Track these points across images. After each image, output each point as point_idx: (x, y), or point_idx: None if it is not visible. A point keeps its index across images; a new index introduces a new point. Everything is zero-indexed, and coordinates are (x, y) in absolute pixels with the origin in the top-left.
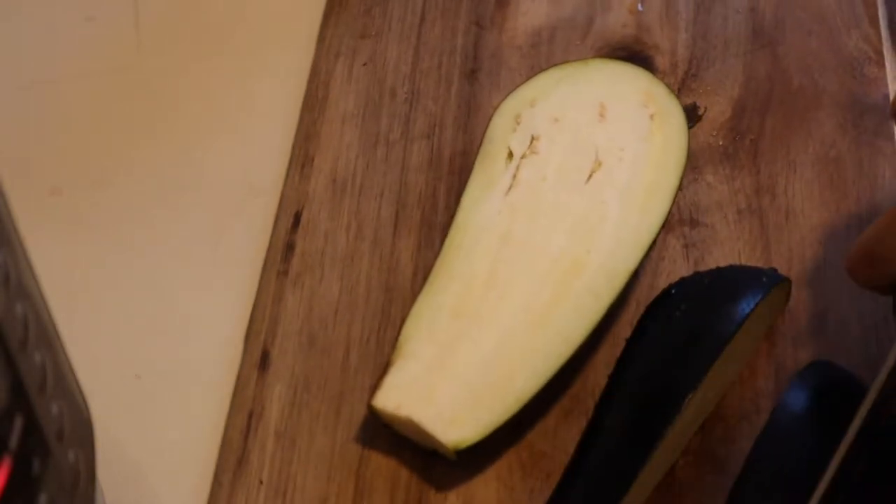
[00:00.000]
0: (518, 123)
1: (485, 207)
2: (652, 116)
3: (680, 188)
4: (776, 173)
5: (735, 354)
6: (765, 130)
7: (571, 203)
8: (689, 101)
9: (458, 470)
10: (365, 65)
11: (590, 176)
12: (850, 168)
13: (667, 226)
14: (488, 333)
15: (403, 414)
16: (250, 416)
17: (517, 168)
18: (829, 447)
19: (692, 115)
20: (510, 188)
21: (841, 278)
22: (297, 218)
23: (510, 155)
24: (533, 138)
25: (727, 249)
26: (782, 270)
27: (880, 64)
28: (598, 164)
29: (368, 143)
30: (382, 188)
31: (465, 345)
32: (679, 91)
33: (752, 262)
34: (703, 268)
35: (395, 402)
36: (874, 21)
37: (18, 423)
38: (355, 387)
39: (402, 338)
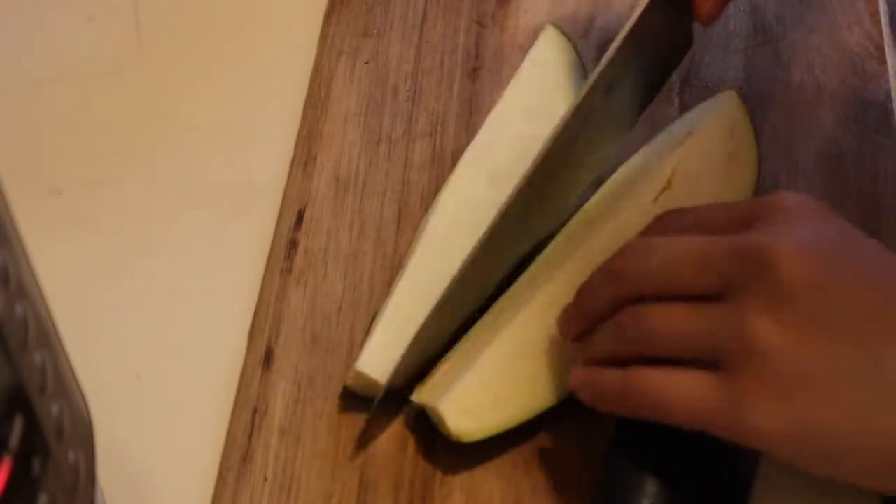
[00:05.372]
0: None
1: None
2: (731, 155)
3: None
4: (778, 169)
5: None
6: (766, 126)
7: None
8: (690, 98)
9: (462, 466)
10: (367, 63)
11: (657, 196)
12: (852, 164)
13: None
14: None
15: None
16: (254, 413)
17: None
18: None
19: None
20: None
21: None
22: (300, 216)
23: None
24: None
25: None
26: None
27: (881, 60)
28: (669, 184)
29: (371, 141)
30: (385, 186)
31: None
32: (680, 88)
33: None
34: None
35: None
36: (875, 17)
37: (18, 423)
38: None
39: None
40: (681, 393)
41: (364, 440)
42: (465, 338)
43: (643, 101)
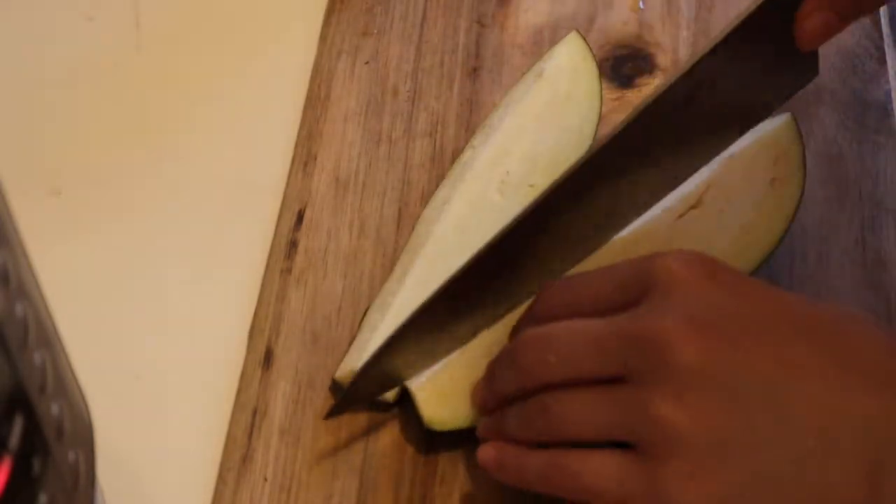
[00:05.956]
0: None
1: None
2: (773, 181)
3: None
4: None
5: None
6: None
7: (653, 234)
8: None
9: (462, 466)
10: (367, 63)
11: (683, 213)
12: (852, 165)
13: None
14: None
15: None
16: (254, 413)
17: None
18: None
19: None
20: None
21: (843, 274)
22: (300, 216)
23: None
24: None
25: None
26: (783, 267)
27: (881, 60)
28: (699, 202)
29: (371, 140)
30: (385, 186)
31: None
32: None
33: None
34: None
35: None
36: (875, 18)
37: (18, 423)
38: None
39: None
40: (599, 479)
41: (364, 440)
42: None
43: (741, 122)
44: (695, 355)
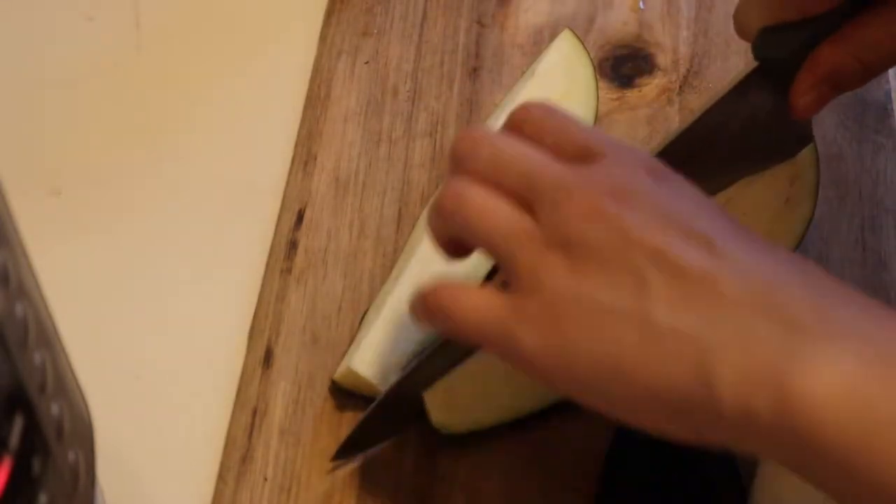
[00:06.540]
0: None
1: None
2: (787, 200)
3: None
4: None
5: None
6: None
7: None
8: (691, 98)
9: (462, 466)
10: (367, 63)
11: None
12: (852, 165)
13: None
14: None
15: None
16: (254, 413)
17: None
18: None
19: None
20: None
21: (843, 274)
22: (300, 216)
23: None
24: None
25: None
26: None
27: None
28: None
29: (371, 140)
30: (385, 186)
31: None
32: (681, 89)
33: None
34: None
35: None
36: None
37: (18, 423)
38: None
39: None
40: (474, 303)
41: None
42: None
43: (719, 182)
44: (589, 212)
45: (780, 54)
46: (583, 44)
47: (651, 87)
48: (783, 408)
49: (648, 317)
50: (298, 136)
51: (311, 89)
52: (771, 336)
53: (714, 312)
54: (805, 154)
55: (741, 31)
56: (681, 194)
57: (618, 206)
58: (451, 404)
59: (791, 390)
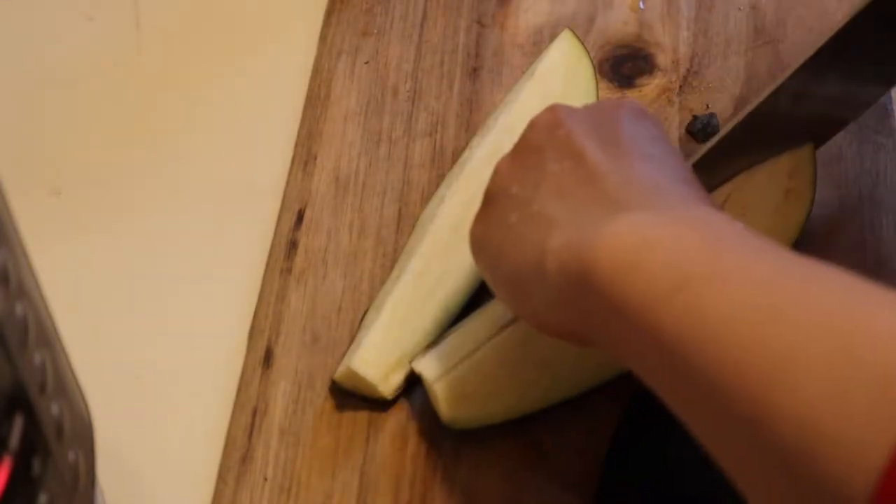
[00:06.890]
0: None
1: None
2: (787, 192)
3: None
4: None
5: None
6: None
7: None
8: (691, 98)
9: (463, 466)
10: (367, 63)
11: None
12: (852, 165)
13: None
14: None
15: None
16: (254, 413)
17: None
18: None
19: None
20: None
21: None
22: (300, 216)
23: None
24: None
25: None
26: None
27: None
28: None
29: (371, 140)
30: (385, 186)
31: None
32: (681, 89)
33: None
34: None
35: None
36: None
37: (18, 423)
38: None
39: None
40: None
41: (364, 439)
42: (478, 311)
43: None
44: (547, 129)
45: None
46: (583, 44)
47: (651, 86)
48: (583, 266)
49: (529, 202)
50: (298, 136)
51: (311, 89)
52: (601, 216)
53: (580, 203)
54: (803, 148)
55: None
56: (643, 128)
57: (571, 119)
58: (462, 400)
59: (588, 244)
